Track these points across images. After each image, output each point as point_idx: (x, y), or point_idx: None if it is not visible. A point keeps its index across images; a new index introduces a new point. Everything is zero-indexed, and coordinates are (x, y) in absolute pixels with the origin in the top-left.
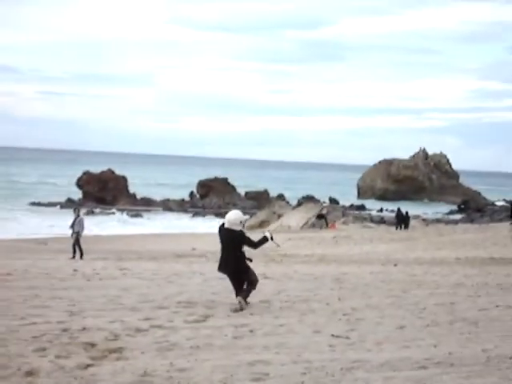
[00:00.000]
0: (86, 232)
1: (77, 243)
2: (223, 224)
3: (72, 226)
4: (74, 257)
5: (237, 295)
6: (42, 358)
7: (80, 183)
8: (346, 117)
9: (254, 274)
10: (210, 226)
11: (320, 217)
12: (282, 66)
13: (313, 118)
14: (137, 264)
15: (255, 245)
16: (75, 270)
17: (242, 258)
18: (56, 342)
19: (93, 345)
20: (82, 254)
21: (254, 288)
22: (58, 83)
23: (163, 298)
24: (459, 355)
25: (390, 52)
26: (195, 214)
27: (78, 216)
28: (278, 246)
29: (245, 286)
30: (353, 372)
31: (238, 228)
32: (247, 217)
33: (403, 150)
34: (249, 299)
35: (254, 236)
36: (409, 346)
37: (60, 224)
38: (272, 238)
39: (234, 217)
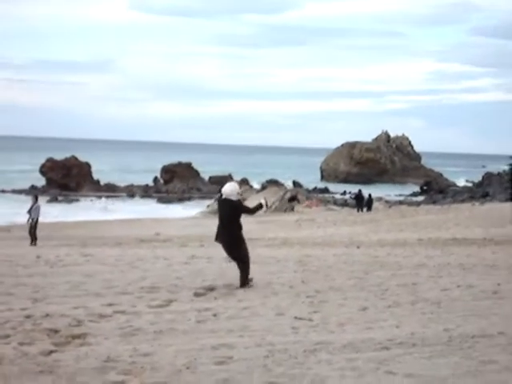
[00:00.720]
0: (50, 219)
1: (33, 229)
2: (221, 195)
3: (29, 212)
4: (33, 243)
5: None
6: (6, 345)
7: (43, 170)
8: (309, 101)
9: (246, 249)
10: (173, 211)
11: (292, 199)
12: (243, 51)
13: (276, 103)
14: (100, 250)
15: (252, 211)
16: (38, 257)
17: (239, 229)
18: (19, 328)
19: (56, 331)
20: (35, 240)
21: (248, 268)
22: (20, 70)
23: (126, 283)
24: (421, 335)
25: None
26: (159, 200)
27: (36, 203)
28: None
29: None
30: (315, 354)
31: (236, 198)
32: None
33: (366, 134)
34: (214, 283)
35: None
36: (371, 327)
37: (23, 211)
38: (267, 205)
39: (230, 188)
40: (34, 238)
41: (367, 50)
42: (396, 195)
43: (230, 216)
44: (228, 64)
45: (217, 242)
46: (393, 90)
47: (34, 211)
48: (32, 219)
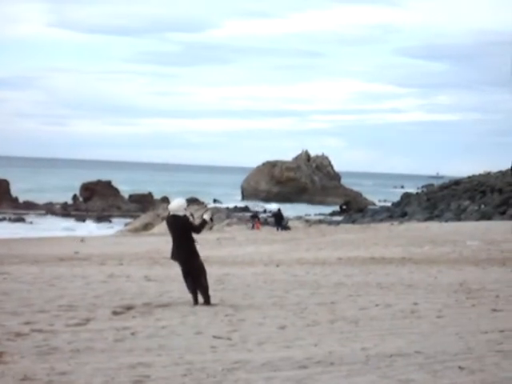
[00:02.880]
0: None
1: None
2: (169, 213)
3: None
4: None
5: (192, 292)
6: None
7: None
8: (232, 119)
9: (202, 265)
10: (93, 229)
11: (253, 217)
12: (169, 69)
13: (199, 121)
14: (18, 268)
15: (198, 228)
16: None
17: (192, 244)
18: None
19: None
20: None
21: (207, 283)
22: None
23: (44, 301)
24: (339, 354)
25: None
26: (78, 218)
27: None
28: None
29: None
30: (234, 372)
31: (182, 213)
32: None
33: (288, 152)
34: (133, 302)
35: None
36: (290, 346)
37: None
38: (212, 220)
39: (177, 204)
40: None
41: (290, 70)
42: (316, 214)
43: (182, 231)
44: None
45: (173, 260)
46: (315, 109)
47: None
48: None
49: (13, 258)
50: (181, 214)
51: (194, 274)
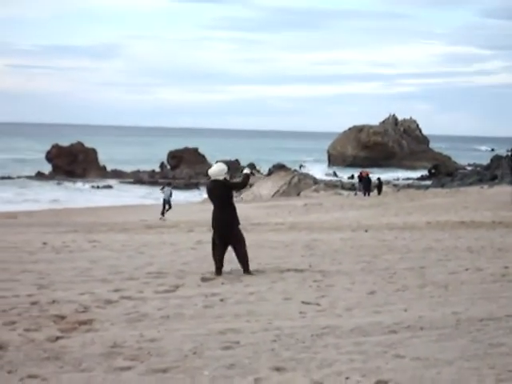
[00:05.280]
0: (56, 205)
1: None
2: (209, 179)
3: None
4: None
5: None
6: (12, 331)
7: (49, 157)
8: (317, 85)
9: (241, 233)
10: (180, 196)
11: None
12: (254, 35)
13: (284, 87)
14: (107, 236)
15: (242, 183)
16: (45, 243)
17: (233, 211)
18: (25, 315)
19: (62, 317)
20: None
21: (246, 252)
22: (26, 56)
23: (133, 269)
24: (429, 319)
25: (360, 18)
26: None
27: (167, 187)
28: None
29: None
30: (323, 338)
31: (223, 177)
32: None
33: (374, 117)
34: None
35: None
36: (379, 311)
37: (30, 198)
38: (252, 173)
39: (217, 168)
40: (162, 213)
41: (375, 33)
42: (404, 179)
43: (223, 196)
44: (238, 48)
45: (214, 228)
46: (401, 72)
47: (165, 193)
48: (164, 199)
49: (101, 226)
50: (221, 178)
51: (233, 242)
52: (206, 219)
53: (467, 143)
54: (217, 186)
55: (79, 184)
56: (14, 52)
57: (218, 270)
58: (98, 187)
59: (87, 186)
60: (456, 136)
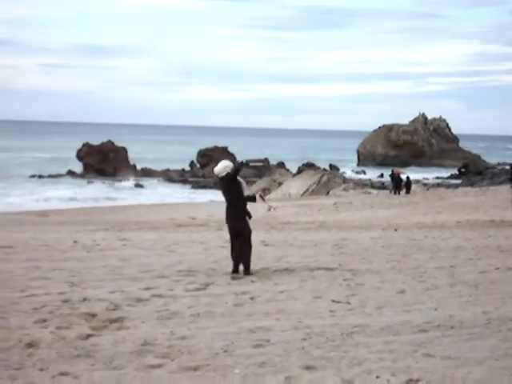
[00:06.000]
0: (88, 204)
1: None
2: (217, 177)
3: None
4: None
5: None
6: (43, 329)
7: (80, 155)
8: (347, 83)
9: (249, 232)
10: (210, 195)
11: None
12: (284, 34)
13: (314, 86)
14: (137, 234)
15: (247, 198)
16: (75, 242)
17: (241, 207)
18: (57, 313)
19: (93, 315)
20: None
21: (249, 253)
22: (57, 55)
23: (163, 267)
24: (459, 318)
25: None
26: (195, 184)
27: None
28: (270, 208)
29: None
30: (353, 337)
31: (225, 173)
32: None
33: (405, 116)
34: (252, 267)
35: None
36: (409, 310)
37: (61, 196)
38: (264, 201)
39: (221, 166)
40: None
41: (407, 32)
42: (433, 178)
43: (231, 191)
44: (267, 47)
45: (226, 222)
46: (432, 71)
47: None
48: None
49: (131, 224)
50: (224, 173)
51: (239, 240)
52: None
53: (497, 142)
54: (223, 183)
55: (117, 183)
56: (47, 51)
57: (234, 267)
58: (128, 186)
59: (124, 183)
60: (486, 135)
